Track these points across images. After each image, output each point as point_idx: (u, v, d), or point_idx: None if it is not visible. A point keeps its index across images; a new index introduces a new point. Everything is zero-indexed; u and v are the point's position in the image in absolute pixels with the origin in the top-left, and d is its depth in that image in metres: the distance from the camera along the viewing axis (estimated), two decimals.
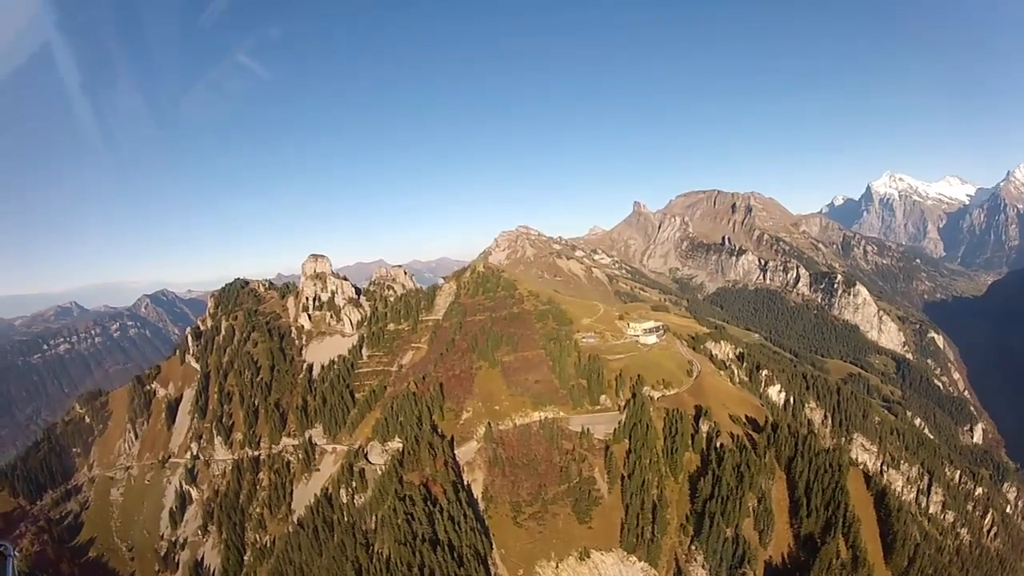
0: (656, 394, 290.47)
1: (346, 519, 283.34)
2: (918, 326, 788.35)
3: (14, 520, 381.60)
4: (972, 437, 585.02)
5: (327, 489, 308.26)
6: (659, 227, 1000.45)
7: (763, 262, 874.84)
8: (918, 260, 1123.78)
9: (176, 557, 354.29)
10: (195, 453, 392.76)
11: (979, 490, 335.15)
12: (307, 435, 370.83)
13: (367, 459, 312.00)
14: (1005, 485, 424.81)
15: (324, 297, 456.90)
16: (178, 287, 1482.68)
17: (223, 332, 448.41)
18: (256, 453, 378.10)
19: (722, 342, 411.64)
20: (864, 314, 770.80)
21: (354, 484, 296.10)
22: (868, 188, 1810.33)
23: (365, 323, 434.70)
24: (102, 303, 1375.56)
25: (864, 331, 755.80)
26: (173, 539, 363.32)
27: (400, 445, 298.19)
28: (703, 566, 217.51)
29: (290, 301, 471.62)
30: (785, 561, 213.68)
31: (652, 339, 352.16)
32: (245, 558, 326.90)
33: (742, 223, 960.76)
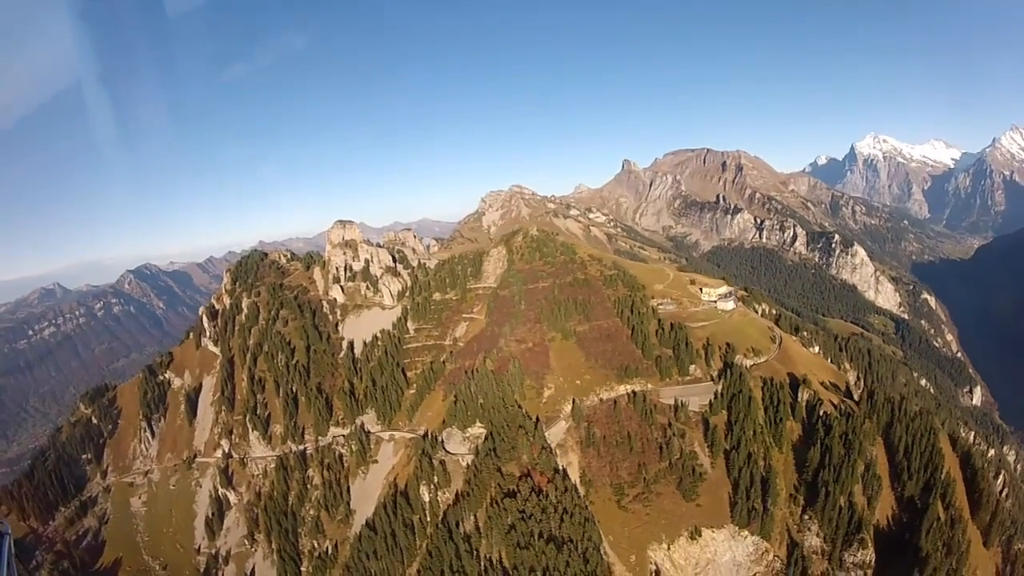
0: (748, 362, 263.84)
1: (429, 519, 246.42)
2: (912, 287, 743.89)
3: (28, 547, 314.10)
4: (971, 399, 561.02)
5: (397, 484, 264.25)
6: (650, 185, 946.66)
7: (759, 221, 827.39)
8: (905, 221, 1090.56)
9: (219, 573, 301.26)
10: (227, 451, 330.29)
11: (991, 451, 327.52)
12: (358, 422, 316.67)
13: (445, 448, 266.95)
14: (1004, 448, 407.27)
15: (356, 267, 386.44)
16: (160, 260, 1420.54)
17: (245, 310, 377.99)
18: (301, 447, 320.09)
19: (764, 304, 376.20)
20: (862, 274, 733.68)
21: (436, 479, 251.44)
22: (852, 148, 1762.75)
23: (407, 293, 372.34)
24: (84, 282, 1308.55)
25: (862, 291, 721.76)
26: (213, 552, 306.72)
27: (483, 431, 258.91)
28: (818, 535, 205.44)
29: (316, 272, 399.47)
30: (890, 524, 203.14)
31: (730, 305, 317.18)
32: (303, 568, 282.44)
33: (733, 182, 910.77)
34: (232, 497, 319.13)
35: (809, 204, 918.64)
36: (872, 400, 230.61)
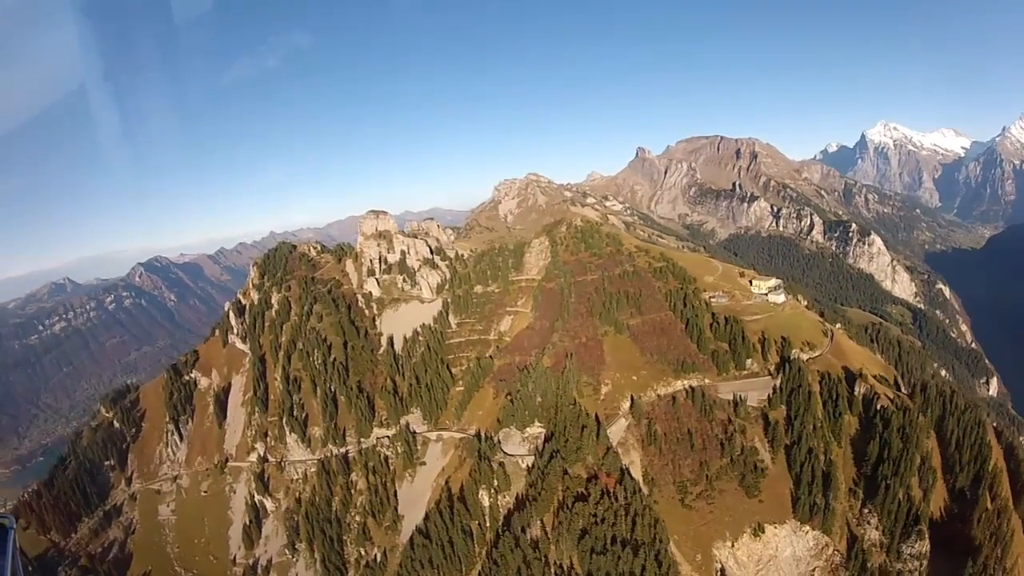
0: (804, 356, 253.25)
1: (489, 524, 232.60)
2: (926, 276, 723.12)
3: (50, 563, 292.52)
4: (988, 390, 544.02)
5: (450, 488, 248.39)
6: (665, 173, 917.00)
7: (775, 209, 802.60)
8: (918, 210, 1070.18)
9: None
10: (263, 455, 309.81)
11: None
12: (403, 422, 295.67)
13: (503, 450, 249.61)
14: (1021, 439, 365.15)
15: (391, 258, 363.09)
16: (170, 252, 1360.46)
17: (276, 306, 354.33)
18: (343, 450, 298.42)
19: (799, 295, 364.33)
20: (879, 264, 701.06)
21: (496, 482, 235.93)
22: (863, 136, 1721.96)
23: (446, 286, 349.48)
24: (94, 276, 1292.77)
25: (879, 280, 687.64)
26: (251, 562, 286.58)
27: (542, 431, 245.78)
28: (877, 528, 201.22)
29: (349, 265, 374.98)
30: (943, 515, 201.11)
31: (781, 297, 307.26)
32: None
33: (747, 169, 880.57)
34: (270, 504, 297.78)
35: (823, 192, 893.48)
36: (925, 393, 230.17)
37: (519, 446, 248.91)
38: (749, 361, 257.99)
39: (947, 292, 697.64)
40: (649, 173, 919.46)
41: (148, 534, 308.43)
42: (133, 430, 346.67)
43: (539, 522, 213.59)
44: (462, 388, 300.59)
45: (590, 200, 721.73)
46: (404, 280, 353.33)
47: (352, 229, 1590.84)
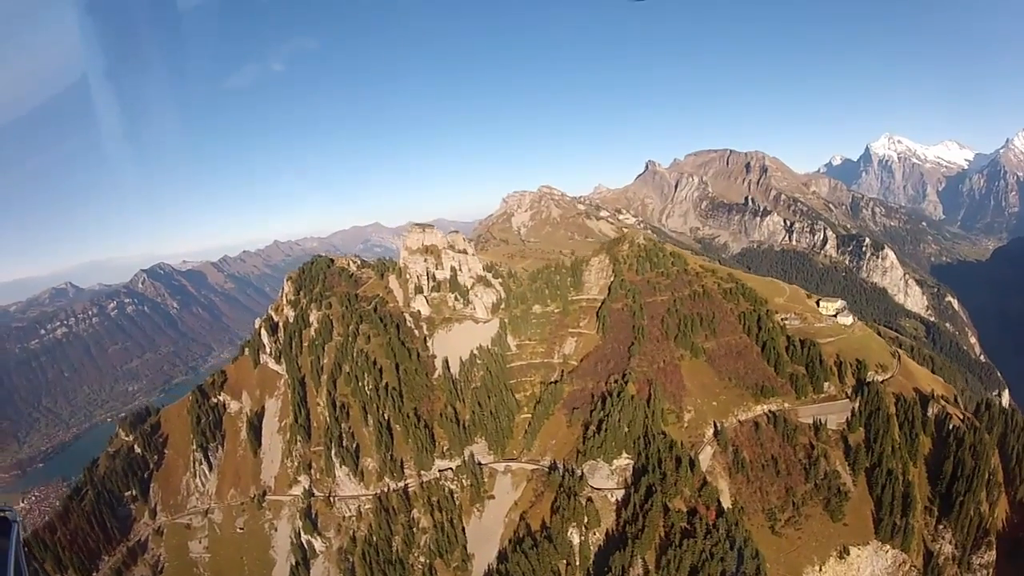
0: (879, 378, 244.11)
1: (579, 563, 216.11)
2: (936, 290, 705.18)
3: None
4: (1001, 402, 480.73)
5: (529, 524, 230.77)
6: (676, 186, 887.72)
7: (788, 223, 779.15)
8: (923, 223, 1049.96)
9: None
10: (308, 488, 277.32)
11: None
12: (467, 453, 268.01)
13: (590, 484, 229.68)
14: None
15: (440, 275, 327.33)
16: (172, 259, 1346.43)
17: (315, 324, 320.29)
18: (402, 484, 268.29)
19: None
20: (891, 277, 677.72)
21: (587, 519, 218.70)
22: (867, 149, 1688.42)
23: (502, 306, 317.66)
24: (96, 281, 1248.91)
25: (892, 294, 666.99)
26: None
27: (629, 462, 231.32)
28: (950, 542, 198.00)
29: (392, 281, 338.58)
30: (1005, 527, 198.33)
31: (849, 319, 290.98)
32: None
33: (758, 183, 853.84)
34: (318, 543, 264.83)
35: (831, 206, 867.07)
36: (989, 412, 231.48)
37: (607, 479, 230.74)
38: (827, 384, 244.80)
39: (956, 305, 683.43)
40: (660, 186, 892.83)
41: (179, 573, 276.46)
42: (156, 457, 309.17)
43: (641, 560, 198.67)
44: (528, 415, 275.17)
45: (603, 213, 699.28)
46: (456, 298, 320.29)
47: (356, 239, 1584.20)
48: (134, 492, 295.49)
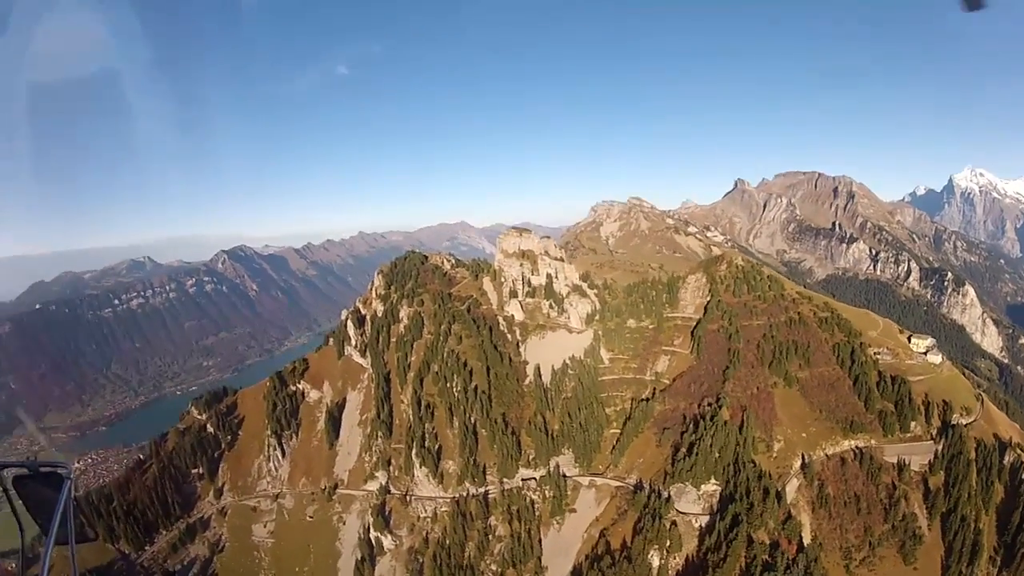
0: (963, 421, 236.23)
1: None
2: (1011, 331, 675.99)
3: None
4: None
5: (608, 542, 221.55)
6: (764, 207, 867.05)
7: (873, 252, 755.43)
8: (1001, 260, 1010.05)
9: None
10: (384, 485, 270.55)
11: None
12: (553, 464, 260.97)
13: (675, 507, 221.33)
14: None
15: (535, 281, 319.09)
16: (254, 242, 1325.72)
17: (405, 320, 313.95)
18: (482, 489, 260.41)
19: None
20: (970, 315, 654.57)
21: (669, 542, 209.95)
22: (950, 180, 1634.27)
23: (596, 317, 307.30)
24: (175, 257, 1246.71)
25: (969, 332, 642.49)
26: None
27: (717, 488, 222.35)
28: None
29: (487, 283, 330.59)
30: None
31: (938, 358, 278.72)
32: None
33: (844, 209, 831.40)
34: (388, 541, 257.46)
35: (915, 236, 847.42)
36: None
37: (693, 504, 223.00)
38: (913, 424, 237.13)
39: None
40: (748, 206, 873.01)
41: (238, 555, 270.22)
42: (228, 437, 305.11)
43: None
44: (617, 431, 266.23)
45: (691, 229, 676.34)
46: (551, 306, 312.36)
47: (442, 236, 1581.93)
48: (201, 470, 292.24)
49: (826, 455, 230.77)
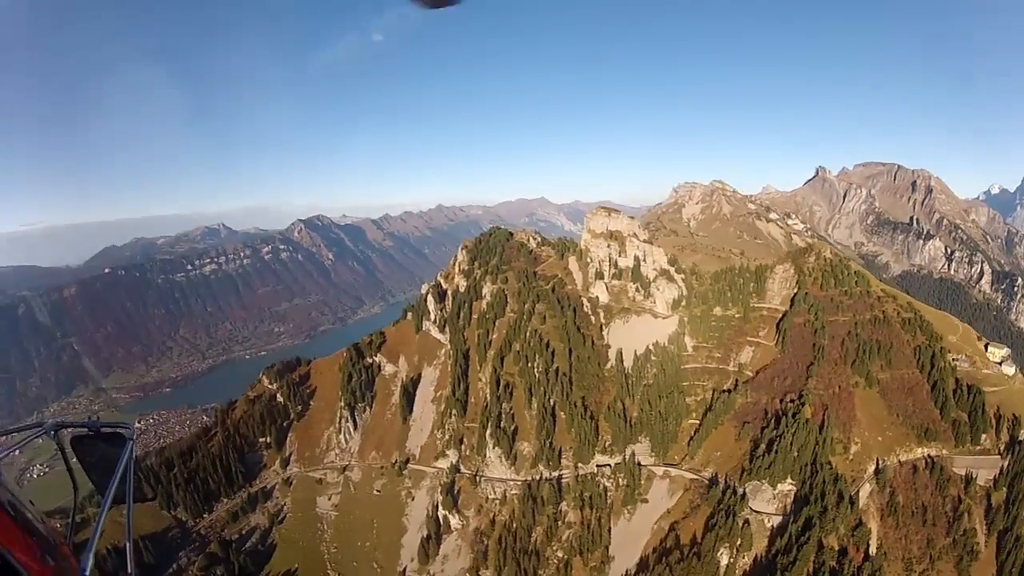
0: None
1: None
2: None
3: (170, 544, 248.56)
4: None
5: (678, 535, 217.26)
6: (844, 197, 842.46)
7: (948, 250, 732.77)
8: None
9: None
10: (455, 463, 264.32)
11: None
12: (629, 452, 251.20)
13: (749, 505, 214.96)
14: None
15: (622, 263, 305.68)
16: (331, 212, 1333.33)
17: (488, 297, 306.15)
18: (555, 474, 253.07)
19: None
20: None
21: (740, 541, 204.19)
22: None
23: (682, 303, 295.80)
24: (251, 225, 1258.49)
25: None
26: None
27: (792, 489, 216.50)
28: None
29: (572, 263, 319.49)
30: None
31: (1012, 369, 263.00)
32: None
33: (922, 204, 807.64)
34: (455, 520, 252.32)
35: (988, 238, 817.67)
36: None
37: (768, 503, 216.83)
38: (983, 436, 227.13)
39: None
40: (828, 195, 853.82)
41: (300, 527, 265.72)
42: (299, 408, 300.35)
43: None
44: (695, 421, 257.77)
45: (773, 216, 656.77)
46: (637, 289, 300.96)
47: (521, 212, 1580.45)
48: (269, 440, 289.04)
49: (899, 461, 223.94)
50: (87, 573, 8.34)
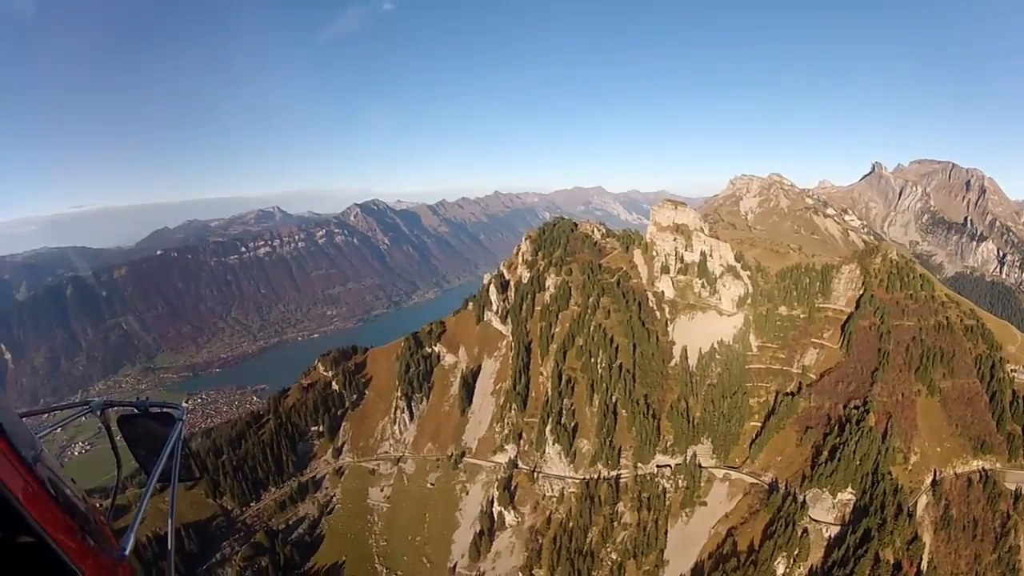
0: None
1: None
2: None
3: (214, 533, 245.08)
4: None
5: (736, 542, 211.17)
6: (900, 194, 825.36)
7: (1001, 253, 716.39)
8: None
9: None
10: (513, 458, 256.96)
11: None
12: (690, 453, 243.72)
13: (809, 513, 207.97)
14: None
15: (688, 257, 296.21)
16: (387, 197, 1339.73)
17: (552, 289, 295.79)
18: (614, 473, 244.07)
19: None
20: None
21: (797, 551, 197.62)
22: None
23: (748, 300, 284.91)
24: (306, 209, 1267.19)
25: None
26: (473, 575, 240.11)
27: (852, 498, 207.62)
28: None
29: (637, 256, 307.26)
30: None
31: None
32: None
33: (975, 204, 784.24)
34: (510, 517, 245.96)
35: None
36: None
37: (827, 512, 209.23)
38: None
39: None
40: (884, 191, 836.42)
41: (350, 518, 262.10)
42: (354, 397, 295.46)
43: None
44: (757, 423, 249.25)
45: (830, 211, 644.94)
46: (703, 285, 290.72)
47: (577, 200, 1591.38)
48: (321, 428, 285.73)
49: (955, 474, 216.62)
50: (127, 553, 8.01)
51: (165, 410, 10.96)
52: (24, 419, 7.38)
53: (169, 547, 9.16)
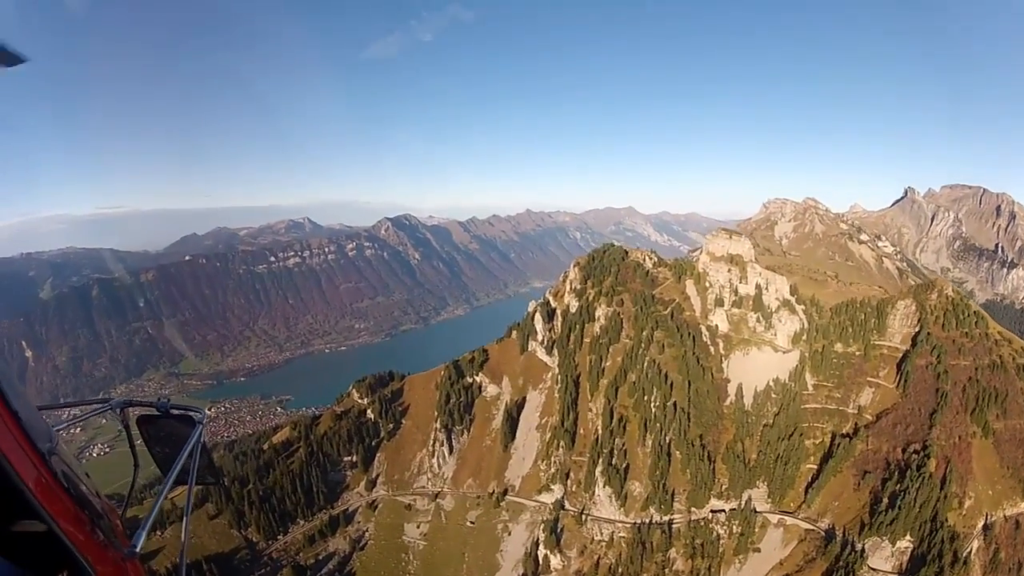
0: None
1: None
2: None
3: (237, 568, 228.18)
4: None
5: None
6: (932, 220, 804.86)
7: None
8: None
9: None
10: (560, 499, 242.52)
11: None
12: (745, 496, 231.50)
13: (868, 563, 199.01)
14: None
15: (743, 290, 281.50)
16: (417, 212, 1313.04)
17: (602, 320, 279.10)
18: (667, 518, 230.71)
19: None
20: None
21: None
22: None
23: (803, 337, 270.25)
24: (336, 221, 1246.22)
25: None
26: None
27: (910, 546, 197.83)
28: None
29: (689, 287, 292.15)
30: None
31: None
32: None
33: (1005, 230, 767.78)
34: (556, 560, 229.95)
35: None
36: None
37: (885, 561, 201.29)
38: None
39: None
40: (916, 217, 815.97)
41: (383, 555, 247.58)
42: (391, 426, 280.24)
43: None
44: (813, 466, 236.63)
45: (864, 237, 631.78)
46: (758, 320, 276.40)
47: (608, 220, 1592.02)
48: (354, 459, 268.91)
49: (1004, 516, 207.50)
50: (138, 550, 8.29)
51: (186, 412, 10.60)
52: (43, 413, 7.71)
53: (182, 544, 9.58)
